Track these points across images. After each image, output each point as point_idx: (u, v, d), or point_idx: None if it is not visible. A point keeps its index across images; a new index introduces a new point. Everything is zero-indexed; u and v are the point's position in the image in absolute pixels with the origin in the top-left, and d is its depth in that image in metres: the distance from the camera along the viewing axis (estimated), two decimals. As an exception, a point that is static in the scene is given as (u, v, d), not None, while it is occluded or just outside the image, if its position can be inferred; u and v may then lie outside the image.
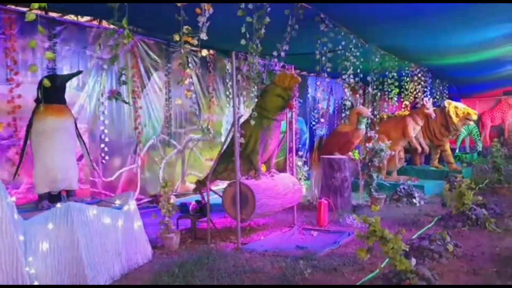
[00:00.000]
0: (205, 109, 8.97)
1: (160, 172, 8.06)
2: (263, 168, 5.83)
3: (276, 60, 5.85)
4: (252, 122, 5.28)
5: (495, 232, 5.67)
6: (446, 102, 10.62)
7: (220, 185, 7.90)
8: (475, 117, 10.51)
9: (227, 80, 9.22)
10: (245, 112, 7.80)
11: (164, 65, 8.07)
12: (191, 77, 8.39)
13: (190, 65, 8.24)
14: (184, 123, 8.61)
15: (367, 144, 8.02)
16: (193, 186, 6.39)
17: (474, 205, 6.18)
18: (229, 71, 8.99)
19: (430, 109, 9.60)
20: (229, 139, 5.60)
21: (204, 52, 5.80)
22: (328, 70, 6.31)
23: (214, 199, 5.91)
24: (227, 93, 9.28)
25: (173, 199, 5.28)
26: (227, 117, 9.39)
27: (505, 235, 5.49)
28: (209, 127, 8.95)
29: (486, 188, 8.85)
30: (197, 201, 5.74)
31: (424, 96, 10.51)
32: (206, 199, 5.47)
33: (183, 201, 6.53)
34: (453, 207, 6.19)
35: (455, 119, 10.34)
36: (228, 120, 9.31)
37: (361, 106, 9.32)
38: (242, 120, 5.64)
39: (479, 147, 15.24)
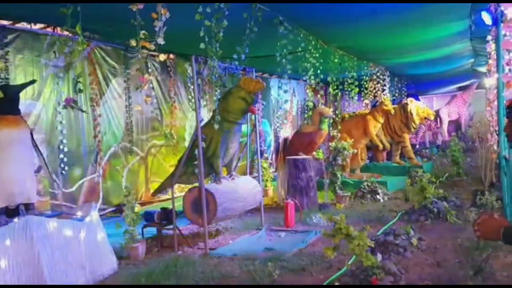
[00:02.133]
0: (167, 115, 8.88)
1: (122, 181, 7.92)
2: (223, 171, 5.82)
3: (236, 63, 5.85)
4: (216, 126, 5.27)
5: (456, 224, 5.86)
6: (409, 100, 10.92)
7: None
8: (433, 117, 11.09)
9: (189, 84, 9.16)
10: (208, 116, 7.77)
11: (122, 71, 7.94)
12: (151, 83, 8.29)
13: (149, 70, 8.15)
14: (146, 129, 8.50)
15: (330, 144, 8.14)
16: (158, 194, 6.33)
17: (435, 198, 6.36)
18: (190, 75, 8.93)
19: (388, 105, 9.86)
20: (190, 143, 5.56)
21: (162, 57, 5.73)
22: (289, 72, 6.36)
23: (180, 205, 5.85)
24: (189, 97, 9.22)
25: (137, 208, 5.20)
26: (190, 121, 9.33)
27: (465, 226, 5.68)
28: (172, 132, 8.86)
29: (446, 182, 9.13)
30: (162, 209, 5.67)
31: (383, 95, 10.77)
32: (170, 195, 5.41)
33: (148, 209, 6.43)
34: (416, 201, 6.36)
35: (416, 118, 10.66)
36: (191, 124, 9.25)
37: (322, 107, 9.45)
38: (203, 123, 5.62)
39: (439, 141, 15.73)
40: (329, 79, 8.65)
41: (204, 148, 5.26)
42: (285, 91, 9.14)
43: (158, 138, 8.73)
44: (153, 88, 8.47)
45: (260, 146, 9.03)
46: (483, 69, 11.32)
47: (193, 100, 8.84)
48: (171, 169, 8.60)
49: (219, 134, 5.43)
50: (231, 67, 6.55)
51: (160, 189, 6.23)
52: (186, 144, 8.66)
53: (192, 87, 8.82)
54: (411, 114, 10.66)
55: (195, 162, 5.10)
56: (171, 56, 8.84)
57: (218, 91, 5.88)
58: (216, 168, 5.54)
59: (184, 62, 9.12)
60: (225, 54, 5.22)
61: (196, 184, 5.37)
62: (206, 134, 5.32)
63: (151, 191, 8.38)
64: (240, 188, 5.75)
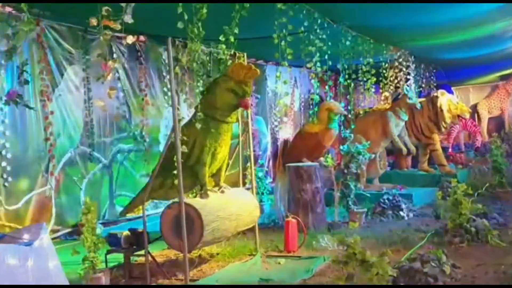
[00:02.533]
0: (137, 111, 8.86)
1: (81, 195, 7.89)
2: (210, 182, 5.83)
3: (224, 46, 5.86)
4: (198, 126, 5.27)
5: (499, 247, 5.89)
6: (439, 93, 10.98)
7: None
8: (468, 115, 11.28)
9: (164, 74, 9.15)
10: (189, 113, 7.74)
11: (81, 57, 7.92)
12: (117, 71, 8.27)
13: (114, 56, 8.13)
14: (110, 130, 8.47)
15: (341, 147, 8.16)
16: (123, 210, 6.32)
17: (473, 215, 6.39)
18: (166, 62, 8.92)
19: (413, 98, 9.89)
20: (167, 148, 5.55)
21: (130, 39, 5.73)
22: (290, 57, 6.38)
23: (153, 225, 5.84)
24: (165, 89, 9.21)
25: (99, 229, 5.19)
26: (166, 120, 9.32)
27: (510, 250, 5.71)
28: (143, 133, 8.84)
29: (486, 194, 9.17)
30: (131, 230, 5.66)
31: (407, 85, 10.82)
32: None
33: (113, 230, 6.40)
34: (448, 219, 6.38)
35: (446, 115, 10.71)
36: (167, 124, 9.23)
37: (332, 101, 9.47)
38: (183, 122, 5.61)
39: (478, 143, 15.79)
40: (339, 66, 8.68)
41: (185, 154, 5.25)
42: (285, 82, 9.15)
43: (125, 141, 8.71)
44: (119, 78, 8.45)
45: (254, 151, 9.04)
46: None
47: (169, 94, 8.84)
48: (143, 180, 8.60)
49: (204, 136, 5.42)
50: (217, 52, 6.55)
51: (131, 207, 6.21)
52: (161, 148, 8.64)
53: (168, 77, 8.81)
54: (441, 110, 10.73)
55: (175, 172, 5.10)
56: (142, 38, 8.83)
57: (201, 82, 5.89)
58: (202, 178, 5.54)
59: (158, 45, 9.11)
60: (209, 36, 5.23)
61: (177, 199, 5.36)
62: (188, 136, 5.31)
63: (117, 208, 8.37)
64: (233, 203, 5.74)
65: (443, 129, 11.07)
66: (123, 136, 8.68)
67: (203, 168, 5.51)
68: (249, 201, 6.13)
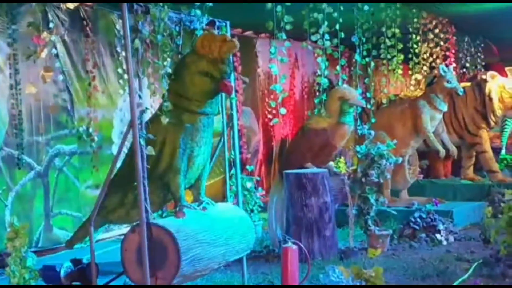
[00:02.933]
0: (81, 101, 8.84)
1: (5, 214, 7.86)
2: (188, 196, 5.83)
3: (199, 12, 5.86)
4: (164, 120, 5.27)
5: None
6: (489, 75, 10.98)
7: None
8: None
9: (118, 49, 9.13)
10: (153, 103, 7.71)
11: (5, 28, 7.89)
12: (54, 47, 8.24)
13: (50, 25, 8.09)
14: (46, 125, 8.44)
15: (357, 148, 8.18)
16: (64, 233, 6.31)
17: (534, 238, 6.43)
18: (121, 33, 8.90)
19: (453, 81, 9.87)
20: (125, 151, 5.52)
21: (71, 4, 5.73)
22: (288, 27, 6.39)
23: (105, 254, 5.85)
24: (119, 71, 9.18)
25: (31, 259, 5.17)
26: (121, 112, 9.29)
27: None
28: (91, 130, 8.82)
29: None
30: (74, 261, 5.67)
31: (445, 65, 10.85)
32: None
33: (50, 261, 6.39)
34: (501, 243, 6.40)
35: (497, 105, 10.70)
36: (123, 117, 9.21)
37: (345, 86, 9.50)
38: (149, 116, 5.61)
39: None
40: (354, 39, 8.69)
41: (152, 159, 5.26)
42: (282, 60, 9.15)
43: (66, 141, 8.67)
44: (57, 55, 8.42)
45: (240, 153, 9.03)
46: None
47: (125, 76, 8.80)
48: (90, 193, 8.57)
49: (175, 134, 5.42)
50: (189, 20, 6.54)
51: (80, 235, 6.13)
52: (115, 149, 8.62)
53: (123, 53, 8.79)
54: (490, 99, 10.72)
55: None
56: (88, 2, 8.81)
57: (169, 60, 5.88)
58: (175, 190, 5.51)
59: (109, 12, 9.08)
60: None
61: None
62: (155, 135, 5.32)
63: (55, 230, 8.34)
64: (219, 224, 5.73)
65: (493, 124, 11.05)
66: (63, 134, 8.64)
67: (177, 176, 5.48)
68: (241, 220, 6.12)
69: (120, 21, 8.60)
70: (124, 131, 5.47)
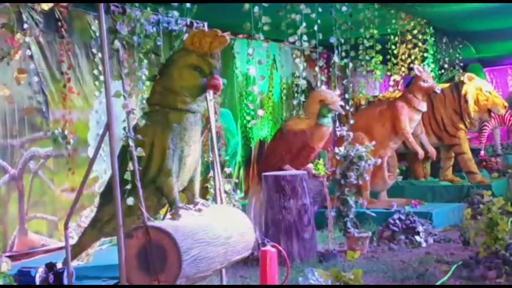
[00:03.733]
0: (56, 103, 8.77)
1: (-21, 218, 7.80)
2: (182, 199, 5.81)
3: (177, 14, 5.84)
4: (141, 122, 5.25)
5: (548, 282, 5.97)
6: (467, 77, 11.03)
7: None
8: (503, 111, 11.14)
9: (94, 51, 9.08)
10: (137, 107, 7.67)
11: (-23, 29, 7.83)
12: (29, 48, 8.17)
13: (24, 26, 8.03)
14: (20, 128, 8.36)
15: (336, 149, 8.19)
16: (39, 237, 6.26)
17: (514, 239, 6.47)
18: (97, 34, 8.85)
19: (429, 80, 9.88)
20: (103, 154, 5.50)
21: (46, 5, 5.68)
22: (266, 28, 6.38)
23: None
24: (95, 72, 9.13)
25: (5, 265, 5.12)
26: (97, 114, 9.23)
27: None
28: (66, 133, 8.76)
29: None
30: (49, 265, 5.62)
31: (423, 65, 10.88)
32: None
33: (25, 266, 6.33)
34: (480, 245, 6.43)
35: (472, 108, 10.74)
36: (99, 119, 9.15)
37: (323, 88, 9.51)
38: (135, 119, 5.58)
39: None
40: (333, 40, 8.70)
41: (142, 163, 5.24)
42: (260, 62, 9.15)
43: (41, 143, 8.59)
44: (31, 57, 8.35)
45: (219, 155, 8.99)
46: None
47: (101, 78, 8.75)
48: (65, 197, 8.50)
49: (163, 134, 5.43)
50: (167, 21, 6.52)
51: (79, 250, 6.09)
52: (91, 152, 8.57)
53: (99, 55, 8.74)
54: (466, 101, 10.73)
55: (128, 187, 5.09)
56: (63, 3, 8.74)
57: (146, 61, 5.86)
58: (169, 193, 5.50)
59: (85, 13, 9.03)
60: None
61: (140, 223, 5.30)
62: (143, 138, 5.30)
63: (30, 234, 8.26)
64: (217, 223, 5.72)
65: (471, 126, 11.09)
66: (38, 136, 8.56)
67: (169, 178, 5.48)
68: (239, 220, 6.14)
69: (96, 22, 8.59)
70: (101, 133, 5.44)
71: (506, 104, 11.01)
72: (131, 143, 5.05)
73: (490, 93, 11.06)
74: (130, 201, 5.12)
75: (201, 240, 5.37)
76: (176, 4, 5.65)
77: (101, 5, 5.15)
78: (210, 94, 6.22)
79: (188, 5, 5.54)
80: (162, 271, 5.09)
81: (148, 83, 7.96)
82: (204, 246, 5.38)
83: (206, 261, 5.40)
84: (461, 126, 10.97)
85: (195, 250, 5.25)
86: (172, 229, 5.18)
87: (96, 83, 9.19)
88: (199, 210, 5.75)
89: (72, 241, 5.67)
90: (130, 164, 5.13)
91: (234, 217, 6.13)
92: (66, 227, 5.50)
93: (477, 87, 10.87)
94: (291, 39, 7.47)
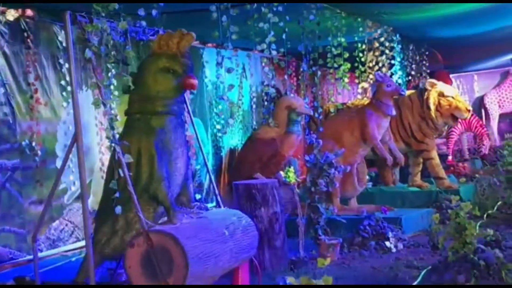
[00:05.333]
0: (23, 114, 8.68)
1: None
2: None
3: (144, 23, 5.82)
4: (109, 133, 5.22)
5: (517, 285, 6.01)
6: (428, 83, 11.08)
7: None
8: (466, 115, 11.04)
9: (61, 61, 9.01)
10: (97, 114, 7.60)
11: None
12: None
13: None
14: (-14, 140, 8.29)
15: (306, 157, 8.19)
16: (7, 251, 6.19)
17: (482, 244, 6.49)
18: (64, 45, 8.79)
19: (392, 84, 9.90)
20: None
21: (12, 15, 5.63)
22: (234, 37, 6.38)
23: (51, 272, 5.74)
24: (63, 83, 9.06)
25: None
26: (64, 124, 9.16)
27: (531, 289, 5.83)
28: (34, 144, 8.68)
29: (498, 215, 9.34)
30: (18, 279, 5.55)
31: (390, 72, 10.95)
32: None
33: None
34: (449, 250, 6.46)
35: (434, 113, 10.78)
36: (67, 130, 9.08)
37: (292, 96, 9.53)
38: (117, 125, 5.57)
39: (485, 148, 16.06)
40: (301, 49, 8.72)
41: (132, 174, 5.20)
42: (229, 71, 9.14)
43: (8, 155, 8.50)
44: (-4, 68, 8.29)
45: (190, 165, 8.96)
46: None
47: (69, 88, 8.69)
48: (34, 209, 8.42)
49: (149, 141, 5.43)
50: (135, 30, 6.50)
51: (83, 272, 5.89)
52: (59, 163, 8.49)
53: (66, 65, 8.68)
54: (428, 107, 10.76)
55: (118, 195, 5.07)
56: (29, 12, 8.68)
57: (113, 71, 5.83)
58: (163, 199, 5.47)
59: (51, 23, 8.96)
60: (123, 9, 5.18)
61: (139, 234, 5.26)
62: (129, 146, 5.31)
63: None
64: (218, 222, 5.75)
65: (437, 131, 11.13)
66: (5, 148, 8.47)
67: (162, 184, 5.45)
68: (239, 218, 6.18)
69: (63, 32, 8.53)
70: (69, 144, 5.40)
71: (469, 108, 11.01)
72: (118, 149, 5.02)
73: (453, 97, 10.99)
74: (118, 209, 5.10)
75: (205, 239, 5.39)
76: (143, 14, 5.60)
77: (67, 15, 5.11)
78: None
79: (154, 13, 5.49)
80: (170, 274, 5.08)
81: (116, 93, 7.99)
82: (208, 244, 5.39)
83: (213, 259, 5.41)
84: (429, 132, 11.01)
85: (200, 248, 5.25)
86: (173, 230, 5.20)
87: (64, 93, 9.12)
88: (196, 213, 5.76)
89: (40, 254, 5.58)
90: (119, 171, 5.12)
91: (233, 216, 6.14)
92: (34, 239, 5.45)
93: (439, 92, 10.85)
94: (259, 48, 7.46)
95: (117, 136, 5.26)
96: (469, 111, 10.94)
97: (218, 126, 12.23)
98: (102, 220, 5.48)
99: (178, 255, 5.07)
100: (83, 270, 5.70)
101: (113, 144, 5.17)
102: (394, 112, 9.91)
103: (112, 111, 5.47)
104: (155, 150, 5.41)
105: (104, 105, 5.22)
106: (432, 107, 10.72)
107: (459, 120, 11.30)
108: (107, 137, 5.20)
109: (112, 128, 5.19)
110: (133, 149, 5.35)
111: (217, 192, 6.75)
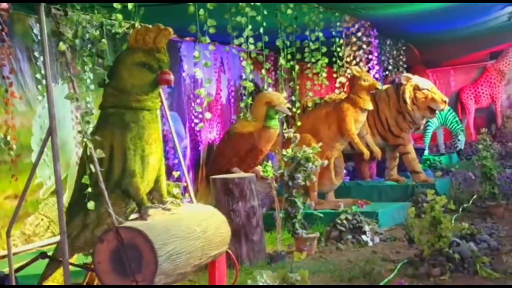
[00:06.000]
0: (-3, 108, 8.63)
1: None
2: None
3: (120, 16, 5.78)
4: (84, 127, 5.18)
5: (492, 278, 6.04)
6: (403, 78, 11.11)
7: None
8: (442, 106, 11.00)
9: (36, 54, 8.93)
10: (73, 108, 7.56)
11: None
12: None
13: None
14: (-39, 134, 8.21)
15: (284, 151, 8.18)
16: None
17: (457, 237, 6.52)
18: (39, 38, 8.72)
19: (368, 78, 9.95)
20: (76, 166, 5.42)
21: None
22: (212, 31, 6.34)
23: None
24: (38, 76, 8.99)
25: None
26: (40, 118, 9.08)
27: (506, 282, 5.87)
28: (9, 138, 8.60)
29: (473, 209, 9.41)
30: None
31: (367, 67, 10.96)
32: None
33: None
34: (425, 243, 6.49)
35: (410, 106, 10.80)
36: (42, 124, 9.01)
37: (270, 91, 9.51)
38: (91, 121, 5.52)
39: (461, 143, 16.18)
40: (278, 43, 8.71)
41: (104, 169, 5.19)
42: (206, 64, 9.10)
43: (-18, 150, 8.45)
44: (-30, 62, 8.21)
45: (167, 159, 8.93)
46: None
47: (44, 82, 8.62)
48: (9, 204, 8.35)
49: (122, 136, 5.39)
50: (111, 25, 6.46)
51: (50, 270, 5.82)
52: (34, 157, 8.43)
53: (41, 58, 8.60)
54: (404, 101, 10.78)
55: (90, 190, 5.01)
56: (4, 5, 8.60)
57: (90, 66, 5.79)
58: (135, 194, 5.45)
59: (26, 16, 8.89)
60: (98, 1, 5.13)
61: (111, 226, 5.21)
62: (102, 141, 5.26)
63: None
64: (190, 218, 5.70)
65: (414, 125, 11.14)
66: (-20, 142, 8.42)
67: (134, 179, 5.43)
68: (212, 214, 6.13)
69: (38, 25, 8.46)
70: (44, 138, 5.35)
71: (445, 99, 10.99)
72: (89, 144, 4.98)
73: (428, 90, 10.99)
74: (91, 205, 5.07)
75: (176, 236, 5.33)
76: (119, 6, 5.55)
77: (42, 7, 5.05)
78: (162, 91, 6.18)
79: (130, 7, 5.45)
80: (138, 271, 5.02)
81: (92, 87, 7.93)
82: (179, 241, 5.34)
83: (183, 256, 5.35)
84: (405, 126, 11.04)
85: (170, 245, 5.20)
86: (143, 226, 5.14)
87: (39, 87, 9.04)
88: (169, 209, 5.71)
89: (14, 249, 5.53)
90: (91, 167, 5.08)
91: (206, 212, 6.10)
92: (8, 234, 5.40)
93: (414, 86, 10.86)
94: (237, 42, 7.43)
95: (89, 130, 5.22)
96: (445, 102, 10.93)
97: (196, 120, 12.21)
98: (73, 213, 5.43)
99: (148, 252, 5.03)
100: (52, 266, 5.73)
101: (85, 139, 5.13)
102: (371, 106, 9.94)
103: (89, 105, 5.45)
104: (128, 145, 5.38)
105: (77, 99, 5.16)
106: (408, 101, 10.75)
107: (428, 114, 11.21)
108: (79, 132, 5.15)
109: (87, 122, 5.15)
110: (106, 144, 5.31)
111: (190, 187, 6.69)
